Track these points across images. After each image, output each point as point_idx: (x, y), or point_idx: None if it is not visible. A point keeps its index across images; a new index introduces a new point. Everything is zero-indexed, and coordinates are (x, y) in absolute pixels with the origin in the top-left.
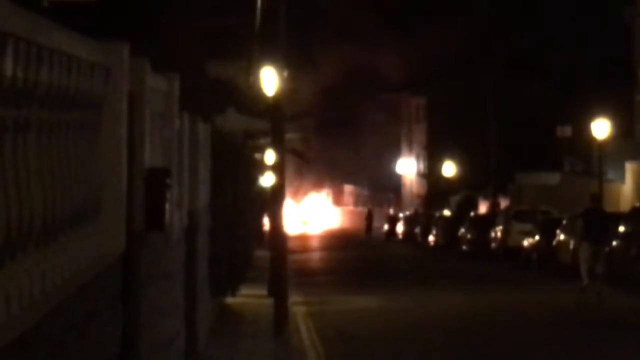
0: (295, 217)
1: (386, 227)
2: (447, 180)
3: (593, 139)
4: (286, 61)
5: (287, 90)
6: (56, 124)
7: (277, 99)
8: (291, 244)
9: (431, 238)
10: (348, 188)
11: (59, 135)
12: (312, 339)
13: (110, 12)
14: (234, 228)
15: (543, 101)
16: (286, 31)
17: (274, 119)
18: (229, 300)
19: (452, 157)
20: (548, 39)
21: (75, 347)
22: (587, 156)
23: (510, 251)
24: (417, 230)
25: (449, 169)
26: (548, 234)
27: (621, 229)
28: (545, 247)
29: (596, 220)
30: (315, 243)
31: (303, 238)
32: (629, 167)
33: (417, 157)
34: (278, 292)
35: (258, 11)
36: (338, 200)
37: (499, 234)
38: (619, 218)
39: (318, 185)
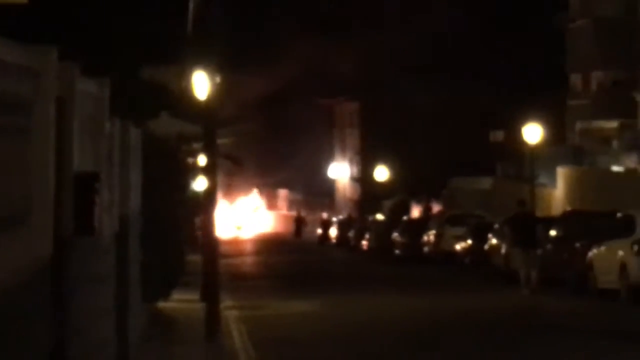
0: (230, 221)
1: (319, 231)
2: (380, 184)
3: (525, 144)
4: (219, 66)
5: (219, 94)
6: None
7: (209, 103)
8: (225, 249)
9: (364, 242)
10: (282, 192)
11: None
12: (244, 343)
13: (42, 16)
14: (167, 232)
15: (477, 106)
16: (220, 35)
17: (205, 123)
18: (162, 305)
19: (385, 161)
20: (480, 45)
21: (1, 352)
22: (519, 161)
23: (443, 255)
24: (351, 234)
25: (381, 173)
26: (480, 238)
27: (552, 233)
28: (478, 251)
29: (524, 225)
30: (249, 247)
31: (237, 242)
32: (561, 171)
33: (351, 162)
34: (210, 297)
35: (190, 15)
36: (272, 204)
37: (432, 238)
38: (550, 222)
39: (252, 190)
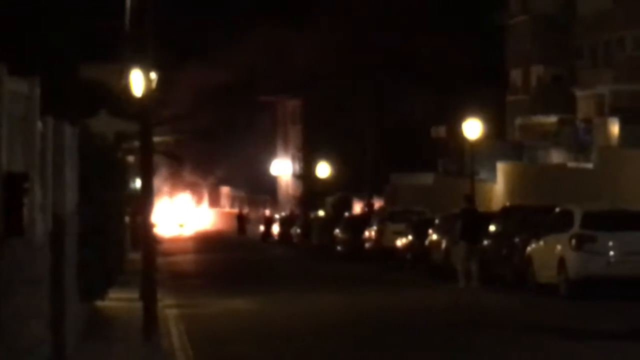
0: (172, 219)
1: (262, 228)
2: (322, 181)
3: (465, 140)
4: (155, 63)
5: (155, 92)
6: None
7: (144, 100)
8: (166, 247)
9: (306, 239)
10: (224, 190)
11: None
12: (183, 341)
13: None
14: (105, 231)
15: (419, 102)
16: (155, 32)
17: (141, 121)
18: (100, 304)
19: (327, 158)
20: (421, 40)
21: None
22: (460, 156)
23: (384, 251)
24: (293, 231)
25: (323, 170)
26: (421, 234)
27: (492, 228)
28: (419, 247)
29: (471, 220)
30: (190, 245)
31: (178, 240)
32: (501, 167)
33: (293, 159)
34: (148, 295)
35: (127, 12)
36: (214, 202)
37: (373, 234)
38: (490, 218)
39: (193, 187)
